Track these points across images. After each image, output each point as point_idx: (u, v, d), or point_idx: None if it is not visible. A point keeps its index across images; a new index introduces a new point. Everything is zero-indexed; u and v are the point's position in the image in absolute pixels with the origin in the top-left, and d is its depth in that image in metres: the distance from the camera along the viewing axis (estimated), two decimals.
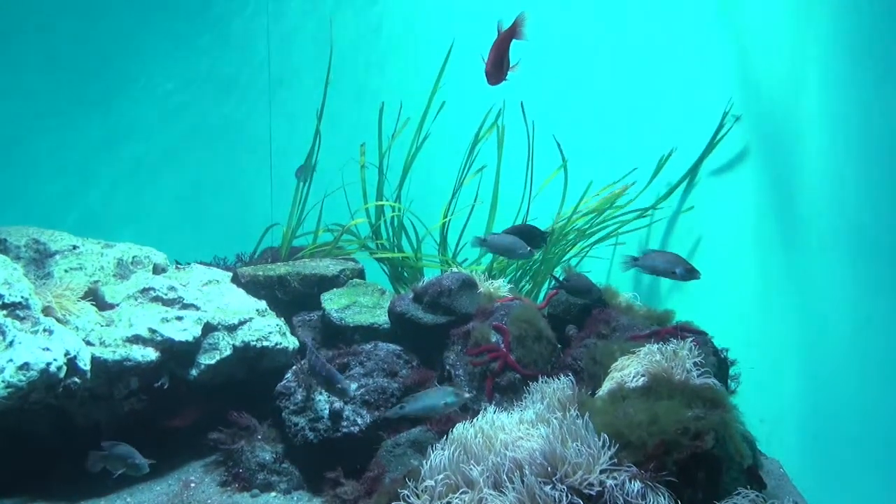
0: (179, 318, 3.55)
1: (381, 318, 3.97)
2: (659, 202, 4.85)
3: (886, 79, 3.56)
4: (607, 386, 3.04)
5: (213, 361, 3.56)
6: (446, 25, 5.21)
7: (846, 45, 3.80)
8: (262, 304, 3.94)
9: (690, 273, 3.48)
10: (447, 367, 3.55)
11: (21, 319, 3.10)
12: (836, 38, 3.87)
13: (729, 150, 4.68)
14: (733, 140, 4.66)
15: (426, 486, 2.58)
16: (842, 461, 3.57)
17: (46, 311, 3.26)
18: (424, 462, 2.68)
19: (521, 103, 4.50)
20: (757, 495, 2.61)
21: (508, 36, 3.09)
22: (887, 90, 3.56)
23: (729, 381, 3.62)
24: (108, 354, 3.29)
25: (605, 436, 2.54)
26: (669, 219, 4.92)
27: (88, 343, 3.29)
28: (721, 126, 4.66)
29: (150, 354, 3.37)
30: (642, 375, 2.97)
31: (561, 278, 3.85)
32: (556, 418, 2.68)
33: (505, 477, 2.49)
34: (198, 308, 3.68)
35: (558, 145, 4.70)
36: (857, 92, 3.74)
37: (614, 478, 2.43)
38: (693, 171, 4.78)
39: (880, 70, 3.60)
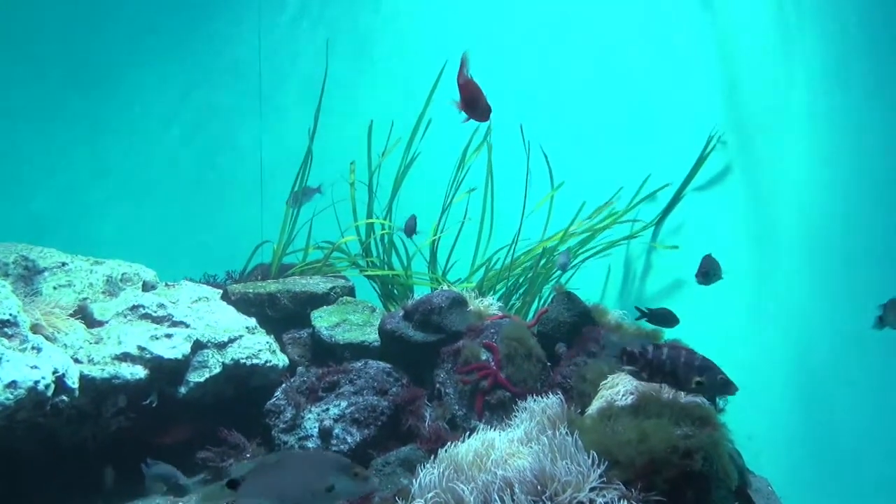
0: (169, 336, 3.54)
1: (372, 335, 3.97)
2: (646, 228, 4.88)
3: (873, 99, 3.62)
4: (597, 404, 3.05)
5: (202, 379, 3.55)
6: (440, 41, 5.26)
7: (832, 67, 3.87)
8: (252, 322, 3.94)
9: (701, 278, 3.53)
10: (437, 385, 3.56)
11: (9, 337, 3.08)
12: (823, 60, 3.93)
13: (714, 170, 4.73)
14: (719, 160, 4.71)
15: None
16: (830, 478, 3.59)
17: (35, 328, 3.24)
18: (414, 481, 2.68)
19: (521, 126, 4.54)
20: None
21: (463, 75, 3.09)
22: (874, 111, 3.62)
23: (717, 399, 3.63)
24: (96, 372, 3.27)
25: (595, 454, 2.54)
26: (652, 238, 4.96)
27: (77, 361, 3.27)
28: (705, 149, 4.71)
29: (139, 372, 3.36)
30: (631, 394, 2.98)
31: (552, 297, 3.86)
32: (546, 436, 2.68)
33: (496, 496, 2.49)
34: (187, 325, 3.67)
35: (548, 167, 4.73)
36: (843, 112, 3.80)
37: (603, 496, 2.44)
38: (678, 195, 4.82)
39: (867, 90, 3.66)
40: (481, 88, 3.12)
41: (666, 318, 3.68)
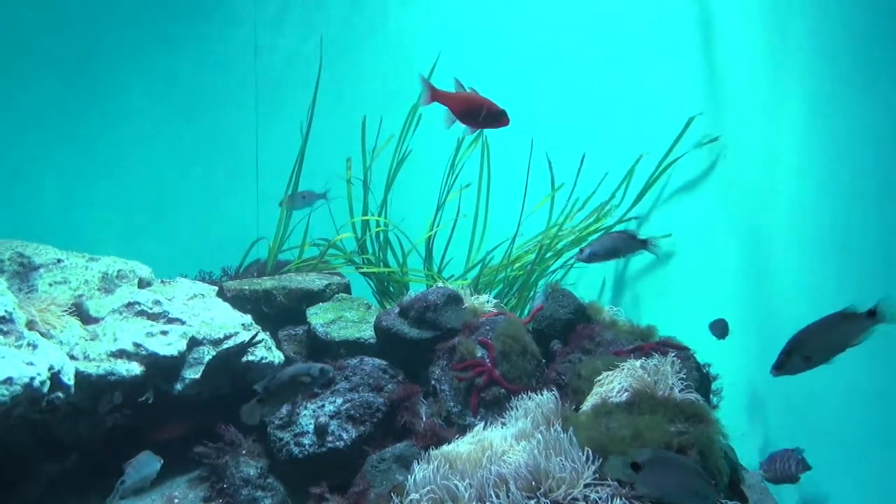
0: (164, 333, 3.55)
1: (367, 332, 3.98)
2: (625, 215, 4.90)
3: (865, 95, 3.63)
4: (591, 401, 3.06)
5: (197, 376, 3.55)
6: (434, 37, 5.27)
7: (825, 61, 3.87)
8: (248, 319, 3.94)
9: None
10: (432, 382, 3.57)
11: (4, 334, 3.08)
12: (815, 54, 3.94)
13: (701, 165, 4.74)
14: (708, 156, 4.71)
15: (411, 501, 2.59)
16: (823, 474, 3.61)
17: (30, 325, 3.25)
18: (409, 477, 2.69)
19: (532, 140, 4.56)
20: None
21: (437, 94, 3.07)
22: (865, 106, 3.63)
23: (711, 395, 3.65)
24: (92, 369, 3.28)
25: (589, 450, 2.56)
26: (637, 227, 4.96)
27: (73, 357, 3.27)
28: (684, 130, 4.71)
29: (135, 369, 3.36)
30: (626, 390, 3.00)
31: (548, 294, 3.88)
32: (540, 433, 2.69)
33: (491, 491, 2.51)
34: (183, 322, 3.68)
35: (550, 167, 4.74)
36: (834, 107, 3.80)
37: (598, 492, 2.45)
38: (654, 180, 4.83)
39: (859, 86, 3.67)
40: (479, 95, 3.08)
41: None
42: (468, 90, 3.10)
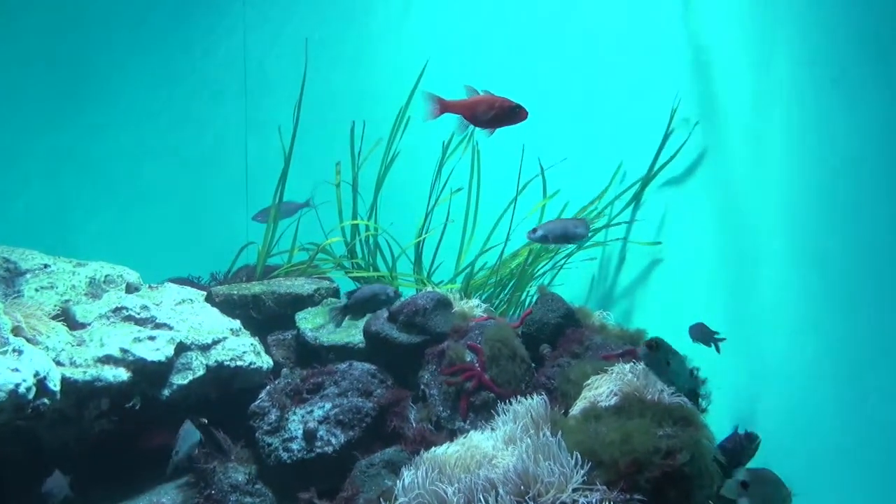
0: (152, 338, 3.53)
1: (356, 337, 3.97)
2: (619, 214, 4.90)
3: (853, 98, 3.64)
4: (580, 405, 3.06)
5: (185, 381, 3.54)
6: (422, 40, 5.28)
7: (812, 57, 3.88)
8: (237, 324, 3.93)
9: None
10: (422, 387, 3.56)
11: None
12: (803, 49, 3.95)
13: (687, 163, 4.75)
14: (693, 152, 4.73)
15: None
16: (812, 475, 3.62)
17: (16, 330, 3.22)
18: (398, 482, 2.69)
19: (523, 146, 4.56)
20: None
21: (445, 104, 3.06)
22: (854, 110, 3.65)
23: (700, 399, 3.65)
24: (78, 375, 3.25)
25: (578, 455, 2.56)
26: (627, 232, 4.97)
27: (59, 363, 3.25)
28: (669, 126, 4.71)
29: (122, 375, 3.34)
30: (615, 394, 3.00)
31: (535, 297, 3.88)
32: (529, 437, 2.69)
33: (480, 496, 2.50)
34: (171, 327, 3.66)
35: (542, 173, 4.74)
36: (823, 105, 3.82)
37: (586, 496, 2.45)
38: (644, 183, 4.84)
39: (846, 91, 3.68)
40: (490, 95, 3.05)
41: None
42: (482, 93, 3.08)
